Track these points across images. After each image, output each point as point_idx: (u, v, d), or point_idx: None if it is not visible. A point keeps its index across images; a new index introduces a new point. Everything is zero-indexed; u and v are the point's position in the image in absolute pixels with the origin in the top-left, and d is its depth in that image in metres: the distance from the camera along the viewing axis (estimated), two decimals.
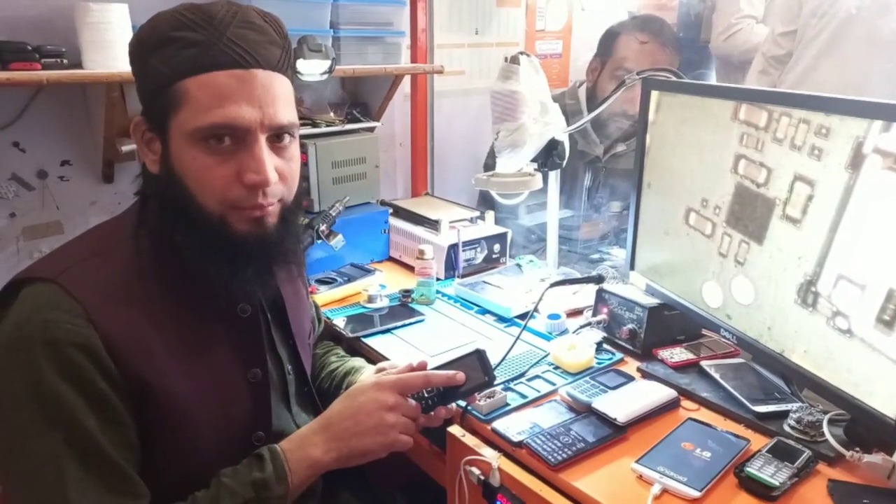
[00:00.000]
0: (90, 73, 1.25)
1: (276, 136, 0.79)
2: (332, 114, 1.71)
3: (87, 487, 0.71)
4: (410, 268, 1.59)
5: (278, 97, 0.78)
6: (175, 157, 0.77)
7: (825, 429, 0.92)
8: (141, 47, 0.77)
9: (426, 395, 0.93)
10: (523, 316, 1.31)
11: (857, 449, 0.89)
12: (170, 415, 0.79)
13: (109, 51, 1.27)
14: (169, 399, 0.78)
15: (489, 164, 1.73)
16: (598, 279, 1.32)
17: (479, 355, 0.97)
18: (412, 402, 0.91)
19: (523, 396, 1.07)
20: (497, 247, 1.64)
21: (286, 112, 0.79)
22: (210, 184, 0.76)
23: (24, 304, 0.75)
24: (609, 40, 1.85)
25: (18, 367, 0.72)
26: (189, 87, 0.74)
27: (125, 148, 1.38)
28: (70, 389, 0.71)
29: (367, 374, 1.07)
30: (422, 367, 0.97)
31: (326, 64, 1.44)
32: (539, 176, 1.43)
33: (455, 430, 1.00)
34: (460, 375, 0.94)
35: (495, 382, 1.07)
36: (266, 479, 0.80)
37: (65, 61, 1.25)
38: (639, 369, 1.16)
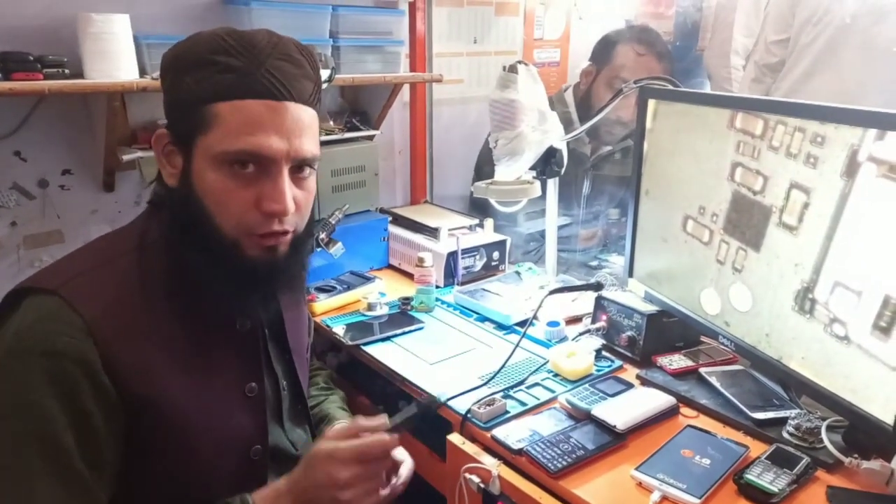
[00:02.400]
0: (92, 82, 1.26)
1: (298, 167, 0.81)
2: (331, 122, 1.72)
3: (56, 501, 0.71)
4: (410, 275, 1.60)
5: (306, 130, 0.79)
6: (196, 176, 0.78)
7: (824, 435, 0.93)
8: (176, 63, 0.78)
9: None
10: (522, 323, 1.32)
11: (856, 455, 0.89)
12: (168, 428, 0.79)
13: (111, 61, 1.27)
14: (167, 413, 0.78)
15: (486, 171, 1.73)
16: (597, 286, 1.33)
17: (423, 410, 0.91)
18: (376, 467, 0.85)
19: (523, 404, 1.07)
20: (496, 254, 1.64)
21: (311, 145, 0.81)
22: (228, 207, 0.77)
23: (25, 314, 0.75)
24: (606, 48, 1.87)
25: (9, 379, 0.72)
26: (221, 110, 0.75)
27: (126, 157, 1.38)
28: (56, 405, 0.71)
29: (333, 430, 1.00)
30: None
31: (326, 73, 1.44)
32: (538, 184, 1.44)
33: (455, 437, 1.01)
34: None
35: (496, 391, 1.08)
36: None
37: (66, 71, 1.26)
38: (638, 376, 1.16)
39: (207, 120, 0.76)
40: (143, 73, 1.33)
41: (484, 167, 1.86)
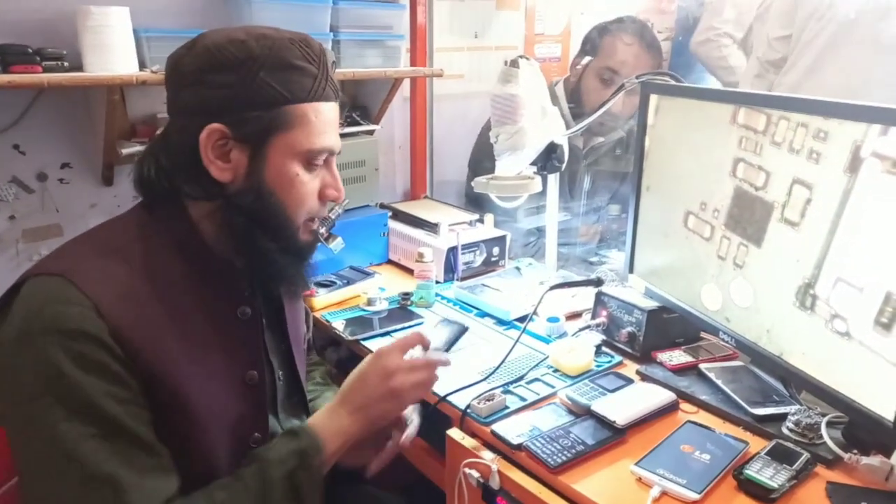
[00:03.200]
0: (91, 76, 1.25)
1: None
2: None
3: (123, 462, 0.72)
4: (410, 271, 1.60)
5: None
6: (272, 171, 0.83)
7: (823, 431, 0.93)
8: (251, 62, 0.79)
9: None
10: (522, 319, 1.32)
11: (856, 451, 0.89)
12: (175, 410, 0.79)
13: (110, 54, 1.27)
14: (175, 394, 0.78)
15: (483, 166, 1.72)
16: (597, 282, 1.33)
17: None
18: (419, 353, 0.97)
19: (522, 399, 1.07)
20: (496, 250, 1.64)
21: None
22: (302, 197, 0.86)
23: (32, 296, 0.75)
24: (594, 40, 1.88)
25: (32, 359, 0.72)
26: (307, 111, 0.82)
27: (125, 151, 1.38)
28: (88, 376, 0.71)
29: None
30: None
31: None
32: (538, 179, 1.43)
33: (454, 433, 1.01)
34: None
35: (496, 386, 1.09)
36: (306, 448, 0.85)
37: (65, 64, 1.25)
38: (638, 372, 1.16)
39: (291, 119, 0.82)
40: (142, 66, 1.33)
41: (483, 161, 1.86)
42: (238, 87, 0.79)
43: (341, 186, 0.90)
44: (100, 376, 0.72)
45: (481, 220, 1.70)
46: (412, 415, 1.00)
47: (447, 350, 1.05)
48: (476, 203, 1.79)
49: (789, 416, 0.97)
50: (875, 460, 0.87)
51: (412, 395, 0.94)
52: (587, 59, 1.88)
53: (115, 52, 1.27)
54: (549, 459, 0.90)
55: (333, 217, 1.46)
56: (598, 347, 1.22)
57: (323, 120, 0.84)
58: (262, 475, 0.81)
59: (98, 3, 1.25)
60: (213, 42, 0.80)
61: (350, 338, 1.29)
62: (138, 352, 0.75)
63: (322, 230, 1.44)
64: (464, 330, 1.12)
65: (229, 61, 0.79)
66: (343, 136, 1.72)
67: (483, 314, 1.40)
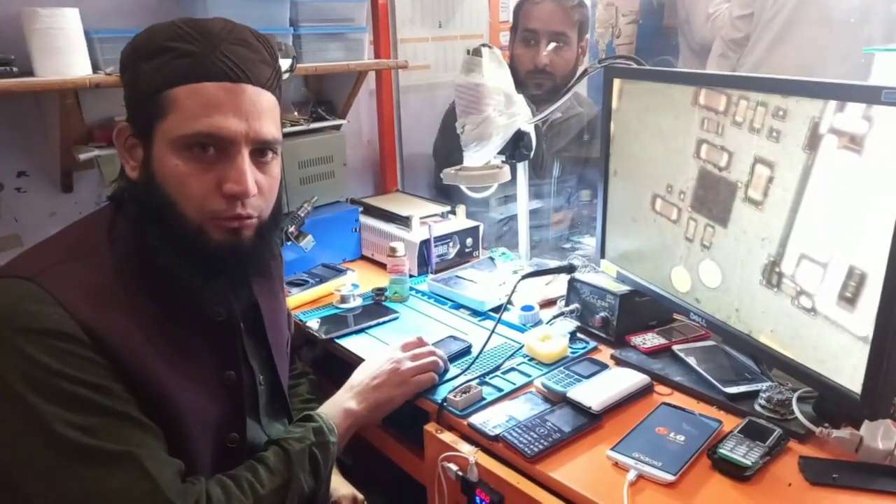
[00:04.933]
0: (42, 80, 1.21)
1: (260, 150, 0.81)
2: (295, 113, 1.69)
3: (132, 442, 0.73)
4: (383, 266, 1.58)
5: (265, 112, 0.80)
6: (157, 164, 0.78)
7: (794, 406, 0.94)
8: (134, 54, 0.78)
9: None
10: (497, 309, 1.31)
11: (826, 425, 0.90)
12: (156, 410, 0.77)
13: (61, 57, 1.23)
14: (154, 395, 0.77)
15: (452, 156, 1.71)
16: (570, 269, 1.33)
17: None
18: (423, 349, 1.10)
19: (499, 390, 1.07)
20: (469, 241, 1.63)
21: (271, 128, 0.81)
22: (190, 191, 0.77)
23: (2, 295, 0.73)
24: (514, 16, 1.92)
25: (13, 359, 0.70)
26: (178, 94, 0.76)
27: (83, 156, 1.34)
28: (75, 371, 0.71)
29: None
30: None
31: (287, 62, 1.40)
32: (507, 168, 1.43)
33: (431, 427, 1.00)
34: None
35: (472, 378, 1.08)
36: (321, 427, 0.92)
37: (14, 69, 1.21)
38: (612, 357, 1.16)
39: (165, 106, 0.76)
40: (96, 68, 1.29)
41: (450, 152, 1.84)
42: (129, 83, 0.80)
43: (246, 181, 0.77)
44: (87, 371, 0.72)
45: (453, 212, 1.69)
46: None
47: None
48: (445, 193, 1.78)
49: (761, 394, 0.98)
50: (845, 433, 0.88)
51: (417, 381, 1.05)
52: (511, 32, 1.91)
53: (66, 54, 1.23)
54: (526, 449, 0.90)
55: (303, 215, 1.45)
56: (573, 334, 1.23)
57: (201, 102, 0.75)
58: (283, 451, 0.87)
59: (46, 4, 1.21)
60: None
61: (325, 337, 1.27)
62: (115, 353, 0.74)
63: (291, 228, 1.43)
64: (468, 348, 1.19)
65: (123, 59, 0.80)
66: (309, 132, 1.70)
67: (458, 306, 1.40)
